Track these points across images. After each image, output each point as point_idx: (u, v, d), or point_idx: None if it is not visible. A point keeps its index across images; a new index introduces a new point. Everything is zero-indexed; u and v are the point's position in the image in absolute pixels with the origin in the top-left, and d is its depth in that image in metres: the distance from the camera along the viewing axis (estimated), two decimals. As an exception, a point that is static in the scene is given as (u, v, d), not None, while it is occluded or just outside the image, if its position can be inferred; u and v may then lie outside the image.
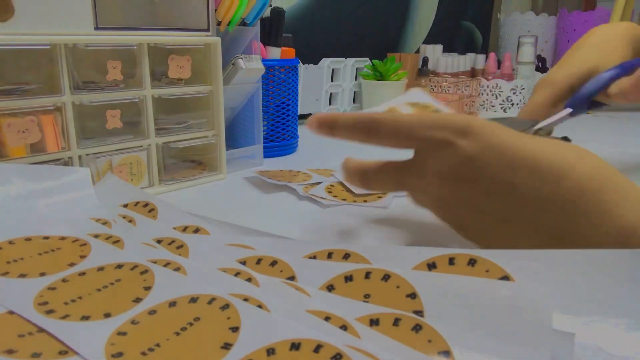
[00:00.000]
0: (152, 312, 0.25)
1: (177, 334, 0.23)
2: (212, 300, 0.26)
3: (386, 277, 0.26)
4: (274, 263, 0.30)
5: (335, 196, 0.48)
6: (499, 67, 1.19)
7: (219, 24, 0.55)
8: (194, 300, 0.26)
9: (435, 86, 1.04)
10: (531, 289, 0.23)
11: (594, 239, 0.26)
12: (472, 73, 1.28)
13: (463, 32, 1.49)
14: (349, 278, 0.27)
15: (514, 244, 0.29)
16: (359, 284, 0.26)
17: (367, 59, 1.00)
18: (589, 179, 0.26)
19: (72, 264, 0.30)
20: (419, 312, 0.24)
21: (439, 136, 0.29)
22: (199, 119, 0.54)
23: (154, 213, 0.40)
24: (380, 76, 0.96)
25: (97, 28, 0.44)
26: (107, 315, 0.25)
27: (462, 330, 0.22)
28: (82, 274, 0.30)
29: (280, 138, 0.68)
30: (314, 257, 0.30)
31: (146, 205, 0.41)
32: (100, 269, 0.30)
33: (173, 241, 0.34)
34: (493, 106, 1.13)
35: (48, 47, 0.41)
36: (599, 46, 0.47)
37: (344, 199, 0.47)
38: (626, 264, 0.23)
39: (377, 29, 1.16)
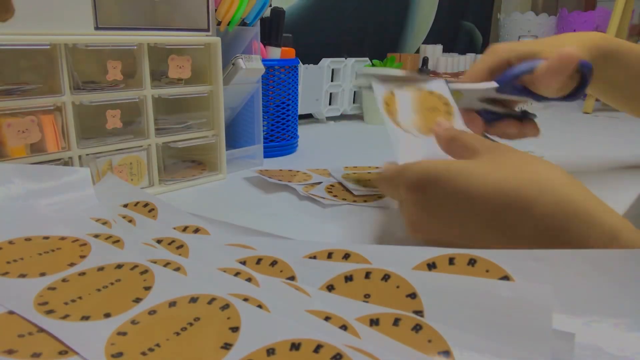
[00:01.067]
0: (152, 312, 0.25)
1: (177, 333, 0.23)
2: (212, 300, 0.26)
3: (386, 277, 0.26)
4: (274, 263, 0.30)
5: (335, 196, 0.48)
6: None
7: (219, 24, 0.55)
8: (194, 300, 0.26)
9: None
10: (531, 289, 0.23)
11: None
12: (472, 73, 1.28)
13: (463, 32, 1.49)
14: (349, 278, 0.27)
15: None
16: (359, 284, 0.26)
17: (367, 59, 1.00)
18: (550, 218, 0.27)
19: (72, 264, 0.31)
20: (419, 312, 0.24)
21: (405, 193, 0.33)
22: (199, 119, 0.54)
23: (154, 213, 0.40)
24: (380, 76, 0.96)
25: (97, 28, 0.44)
26: (107, 315, 0.25)
27: (462, 331, 0.22)
28: (82, 274, 0.30)
29: (280, 138, 0.68)
30: (314, 257, 0.30)
31: (146, 205, 0.41)
32: (100, 269, 0.30)
33: (173, 241, 0.34)
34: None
35: (48, 47, 0.41)
36: (553, 41, 0.47)
37: (344, 199, 0.47)
38: (626, 264, 0.23)
39: (377, 29, 1.16)
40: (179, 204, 0.42)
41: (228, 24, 0.55)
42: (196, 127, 0.53)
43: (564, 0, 1.72)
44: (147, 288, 0.27)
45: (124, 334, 0.23)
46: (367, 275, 0.27)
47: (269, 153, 0.66)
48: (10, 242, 0.33)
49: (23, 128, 0.40)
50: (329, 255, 0.30)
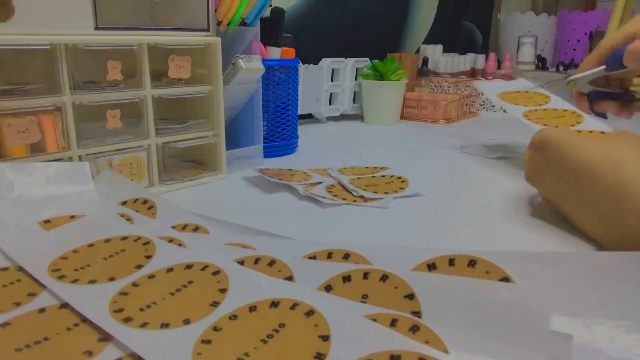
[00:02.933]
0: (233, 317, 0.24)
1: (265, 340, 0.23)
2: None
3: (384, 277, 0.26)
4: (272, 263, 0.30)
5: (335, 196, 0.48)
6: (499, 67, 1.19)
7: (219, 24, 0.55)
8: (274, 304, 0.26)
9: (435, 86, 1.04)
10: (529, 290, 0.23)
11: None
12: (472, 73, 1.28)
13: (463, 32, 1.49)
14: (347, 278, 0.27)
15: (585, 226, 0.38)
16: (357, 284, 0.26)
17: (367, 59, 1.00)
18: (610, 190, 0.34)
19: (139, 266, 0.30)
20: (417, 313, 0.24)
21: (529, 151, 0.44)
22: (199, 119, 0.54)
23: (153, 210, 0.40)
24: (380, 76, 0.96)
25: (97, 28, 0.44)
26: (187, 321, 0.24)
27: (460, 331, 0.22)
28: (152, 276, 0.29)
29: (280, 138, 0.68)
30: (314, 257, 0.30)
31: (145, 202, 0.41)
32: (170, 269, 0.30)
33: (171, 240, 0.34)
34: (493, 106, 1.13)
35: (48, 47, 0.41)
36: None
37: (344, 199, 0.47)
38: (625, 266, 0.23)
39: (377, 29, 1.16)
40: (179, 204, 0.42)
41: (228, 24, 0.55)
42: (196, 127, 0.53)
43: (564, 0, 1.72)
44: (223, 290, 0.27)
45: (208, 342, 0.23)
46: (366, 275, 0.27)
47: (269, 153, 0.66)
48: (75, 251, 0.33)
49: (23, 128, 0.40)
50: (329, 255, 0.30)
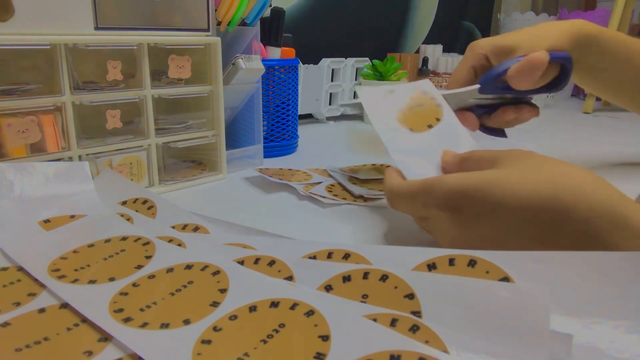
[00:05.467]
0: (233, 317, 0.24)
1: (265, 340, 0.23)
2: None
3: (384, 277, 0.26)
4: (272, 263, 0.30)
5: (335, 195, 0.48)
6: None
7: (219, 24, 0.55)
8: (274, 304, 0.26)
9: (435, 86, 1.04)
10: (529, 290, 0.23)
11: None
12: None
13: (463, 32, 1.49)
14: (347, 278, 0.27)
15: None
16: (357, 284, 0.26)
17: (367, 59, 1.00)
18: (587, 224, 0.26)
19: (139, 266, 0.30)
20: (417, 313, 0.24)
21: (436, 211, 0.32)
22: (199, 119, 0.54)
23: (153, 210, 0.40)
24: (380, 76, 0.96)
25: (97, 28, 0.44)
26: (187, 321, 0.24)
27: (460, 331, 0.22)
28: (152, 276, 0.29)
29: (280, 138, 0.68)
30: (314, 257, 0.30)
31: (145, 202, 0.41)
32: (170, 270, 0.29)
33: (171, 240, 0.34)
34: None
35: (48, 47, 0.41)
36: (532, 31, 0.46)
37: (344, 198, 0.47)
38: (625, 266, 0.23)
39: (377, 29, 1.16)
40: (179, 204, 0.42)
41: (228, 24, 0.55)
42: (196, 127, 0.53)
43: (564, 0, 1.72)
44: (223, 290, 0.27)
45: (208, 342, 0.23)
46: (365, 275, 0.27)
47: (269, 153, 0.66)
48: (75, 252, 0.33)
49: (23, 128, 0.40)
50: (329, 255, 0.30)
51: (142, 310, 0.25)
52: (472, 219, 0.30)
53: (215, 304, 0.25)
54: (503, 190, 0.28)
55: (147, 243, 0.33)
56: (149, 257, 0.31)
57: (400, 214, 0.44)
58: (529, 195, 0.28)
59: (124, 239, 0.34)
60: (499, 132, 0.49)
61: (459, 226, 0.31)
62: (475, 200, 0.29)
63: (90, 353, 0.22)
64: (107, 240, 0.34)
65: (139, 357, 0.22)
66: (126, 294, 0.27)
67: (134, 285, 0.28)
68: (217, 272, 0.28)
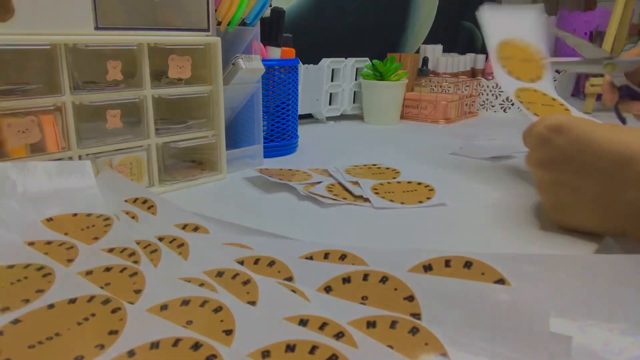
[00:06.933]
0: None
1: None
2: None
3: (384, 279, 0.26)
4: (271, 263, 0.30)
5: (335, 195, 0.48)
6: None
7: (219, 24, 0.55)
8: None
9: (435, 86, 1.04)
10: (529, 292, 0.23)
11: None
12: (472, 73, 1.28)
13: (463, 32, 1.49)
14: (346, 280, 0.27)
15: (601, 225, 0.36)
16: (356, 285, 0.27)
17: (367, 59, 1.00)
18: None
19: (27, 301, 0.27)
20: (417, 315, 0.24)
21: (539, 132, 0.38)
22: (199, 119, 0.54)
23: (153, 210, 0.40)
24: (380, 76, 0.96)
25: (97, 28, 0.44)
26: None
27: (459, 334, 0.22)
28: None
29: (280, 138, 0.68)
30: (311, 258, 0.31)
31: (145, 202, 0.41)
32: (72, 301, 0.27)
33: (174, 239, 0.34)
34: (493, 106, 1.13)
35: (48, 47, 0.41)
36: None
37: (345, 198, 0.47)
38: (621, 269, 0.23)
39: (377, 29, 1.16)
40: (180, 204, 0.42)
41: (228, 24, 0.55)
42: (196, 127, 0.53)
43: (564, 0, 1.72)
44: (113, 333, 0.24)
45: None
46: (365, 277, 0.27)
47: (269, 153, 0.66)
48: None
49: (23, 128, 0.41)
50: (326, 256, 0.30)
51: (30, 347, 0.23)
52: (564, 149, 0.35)
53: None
54: (594, 134, 0.34)
55: (49, 274, 0.30)
56: (40, 291, 0.28)
57: (400, 215, 0.44)
58: (618, 143, 0.33)
59: (27, 266, 0.30)
60: (622, 119, 0.54)
61: (553, 152, 0.36)
62: (571, 132, 0.35)
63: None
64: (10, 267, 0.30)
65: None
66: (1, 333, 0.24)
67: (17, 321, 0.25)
68: (117, 309, 0.26)
